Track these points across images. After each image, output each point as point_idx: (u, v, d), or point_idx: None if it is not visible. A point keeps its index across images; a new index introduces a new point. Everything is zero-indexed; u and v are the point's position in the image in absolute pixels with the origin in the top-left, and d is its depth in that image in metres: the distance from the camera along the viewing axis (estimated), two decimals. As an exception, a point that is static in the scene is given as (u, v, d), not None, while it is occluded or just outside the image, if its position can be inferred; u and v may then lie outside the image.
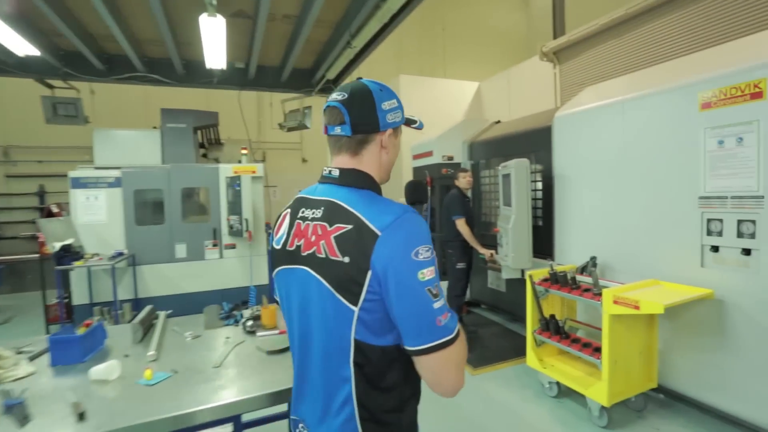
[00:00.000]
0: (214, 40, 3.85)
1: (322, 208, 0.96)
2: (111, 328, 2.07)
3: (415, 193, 4.05)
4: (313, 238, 0.93)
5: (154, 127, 5.90)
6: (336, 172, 0.99)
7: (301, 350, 1.00)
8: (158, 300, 5.30)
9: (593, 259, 3.18)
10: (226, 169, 5.66)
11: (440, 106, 7.93)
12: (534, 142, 4.22)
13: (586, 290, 2.75)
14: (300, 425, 1.01)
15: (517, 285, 4.44)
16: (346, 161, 1.00)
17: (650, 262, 2.86)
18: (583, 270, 3.22)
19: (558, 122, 3.66)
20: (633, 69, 3.98)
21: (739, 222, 2.41)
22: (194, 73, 5.10)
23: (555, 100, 7.23)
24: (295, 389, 1.04)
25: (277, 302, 1.13)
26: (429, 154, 5.46)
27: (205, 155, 7.13)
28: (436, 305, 0.84)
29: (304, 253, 0.95)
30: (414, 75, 9.03)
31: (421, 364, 0.87)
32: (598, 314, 3.00)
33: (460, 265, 4.13)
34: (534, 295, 3.10)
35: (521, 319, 4.82)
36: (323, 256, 0.90)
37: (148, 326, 2.19)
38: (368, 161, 1.00)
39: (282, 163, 10.17)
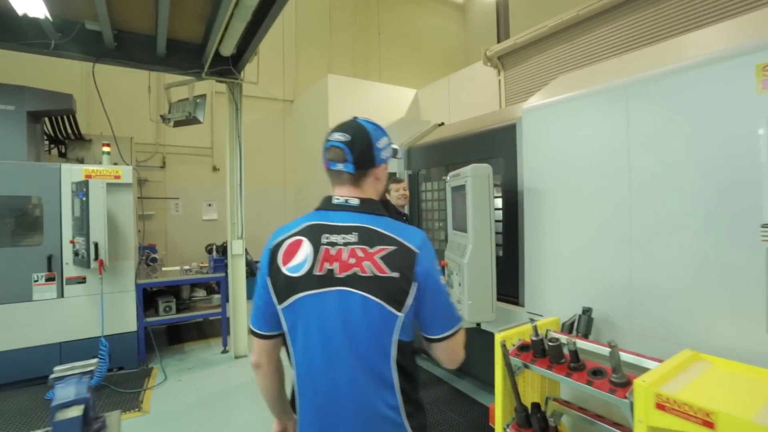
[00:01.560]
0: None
1: (356, 233, 1.08)
2: None
3: None
4: (353, 260, 1.05)
5: (-32, 109, 4.11)
6: (356, 201, 1.13)
7: (328, 368, 1.05)
8: (-61, 367, 3.48)
9: (588, 312, 2.17)
10: (72, 172, 4.04)
11: (373, 112, 6.83)
12: (490, 146, 3.23)
13: (597, 373, 1.69)
14: None
15: (468, 334, 3.37)
16: (350, 191, 1.15)
17: (678, 321, 1.89)
18: (571, 327, 2.20)
19: (528, 117, 2.68)
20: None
21: (837, 266, 1.51)
22: (11, 29, 3.49)
23: (500, 108, 6.53)
24: (320, 410, 1.07)
25: (260, 335, 1.16)
26: (357, 160, 4.31)
27: (63, 154, 5.37)
28: (452, 300, 1.15)
29: (341, 275, 1.05)
30: (345, 76, 8.00)
31: (442, 347, 1.12)
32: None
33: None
34: (508, 372, 2.00)
35: (473, 376, 3.77)
36: (369, 274, 1.04)
37: None
38: (368, 191, 1.17)
39: (188, 171, 8.50)
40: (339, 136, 1.12)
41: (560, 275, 2.46)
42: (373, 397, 1.03)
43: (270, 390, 1.22)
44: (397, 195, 3.30)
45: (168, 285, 4.81)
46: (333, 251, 1.06)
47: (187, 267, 5.13)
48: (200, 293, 5.28)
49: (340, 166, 1.12)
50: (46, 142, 5.22)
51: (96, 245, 3.72)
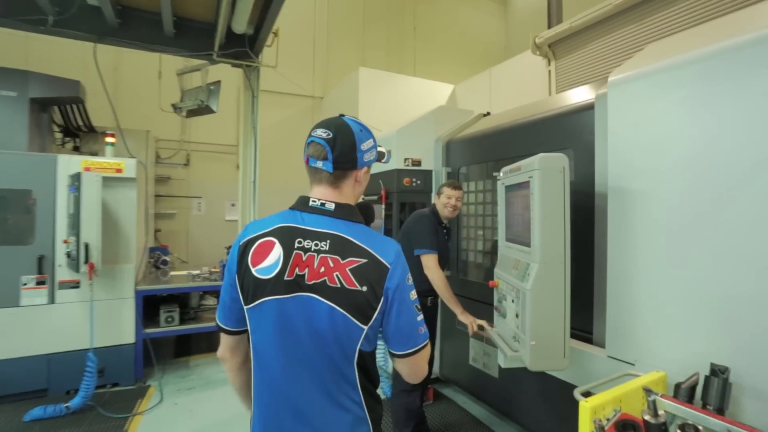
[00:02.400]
0: None
1: (328, 241, 1.05)
2: None
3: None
4: (323, 269, 1.03)
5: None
6: (331, 206, 1.09)
7: (289, 370, 1.04)
8: None
9: (723, 373, 1.44)
10: (70, 163, 3.63)
11: (407, 108, 6.39)
12: (554, 136, 2.55)
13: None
14: None
15: (517, 373, 2.67)
16: (327, 193, 1.12)
17: None
18: (691, 393, 1.48)
19: (617, 93, 1.97)
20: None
21: None
22: (4, 3, 3.12)
23: (550, 101, 5.77)
24: (282, 408, 1.06)
25: (225, 330, 1.15)
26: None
27: (76, 148, 5.06)
28: (419, 318, 1.09)
29: (310, 282, 1.03)
30: (377, 69, 7.46)
31: (405, 363, 1.10)
32: None
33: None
34: (601, 465, 1.31)
35: (521, 423, 3.02)
36: (337, 285, 1.02)
37: None
38: (346, 193, 1.13)
39: (212, 169, 8.18)
40: (321, 133, 1.09)
41: (665, 309, 1.74)
42: (337, 395, 1.04)
43: (236, 383, 1.24)
44: (447, 203, 2.64)
45: (171, 292, 4.34)
46: (305, 257, 1.05)
47: (196, 272, 4.67)
48: (210, 301, 4.82)
49: (319, 164, 1.09)
50: (60, 135, 4.94)
51: (87, 246, 3.28)
